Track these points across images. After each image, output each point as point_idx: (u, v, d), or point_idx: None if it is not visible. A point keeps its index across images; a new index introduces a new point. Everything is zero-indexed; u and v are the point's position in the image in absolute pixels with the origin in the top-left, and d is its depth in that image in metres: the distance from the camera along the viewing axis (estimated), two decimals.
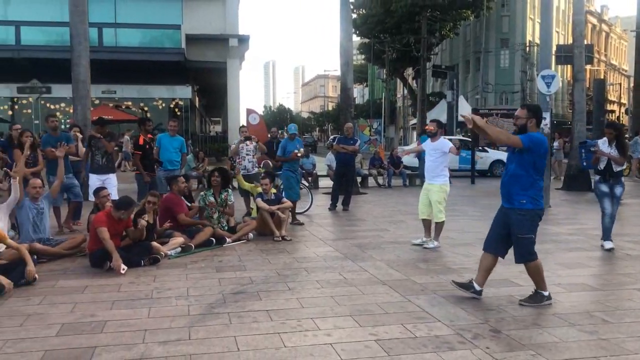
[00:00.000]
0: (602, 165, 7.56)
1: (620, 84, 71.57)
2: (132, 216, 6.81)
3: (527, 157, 4.87)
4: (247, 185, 9.74)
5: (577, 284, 5.82)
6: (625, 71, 74.69)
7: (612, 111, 61.18)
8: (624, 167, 7.99)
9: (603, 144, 7.47)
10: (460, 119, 23.14)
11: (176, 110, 29.82)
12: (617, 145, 7.38)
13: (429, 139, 7.99)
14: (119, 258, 6.18)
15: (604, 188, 7.58)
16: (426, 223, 7.98)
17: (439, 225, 7.79)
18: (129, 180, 13.54)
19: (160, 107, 29.92)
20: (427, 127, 7.97)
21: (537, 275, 5.09)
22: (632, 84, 49.04)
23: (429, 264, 6.71)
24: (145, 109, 29.52)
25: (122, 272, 6.10)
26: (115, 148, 10.82)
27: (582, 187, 15.18)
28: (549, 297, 5.07)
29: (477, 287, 5.21)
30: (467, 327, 4.45)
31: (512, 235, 5.03)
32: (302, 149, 10.09)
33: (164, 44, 27.31)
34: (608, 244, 7.51)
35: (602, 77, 60.13)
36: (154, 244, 6.91)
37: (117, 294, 5.40)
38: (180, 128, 20.62)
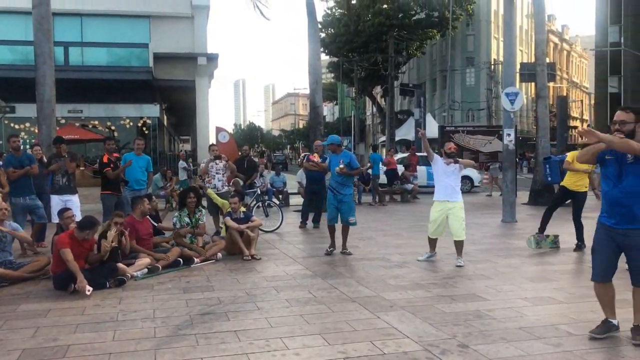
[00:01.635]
0: None
1: (581, 101, 73.56)
2: (97, 237, 6.69)
3: None
4: (219, 200, 9.68)
5: (542, 297, 5.91)
6: (586, 88, 76.83)
7: (575, 127, 62.72)
8: None
9: None
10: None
11: (144, 129, 29.50)
12: None
13: (441, 158, 7.85)
14: (84, 279, 6.05)
15: None
16: (434, 241, 8.00)
17: (462, 243, 7.77)
18: (95, 200, 13.30)
19: (127, 126, 29.52)
20: (449, 148, 7.85)
21: None
22: (593, 101, 50.43)
23: (397, 280, 6.73)
24: (113, 128, 29.12)
25: (87, 293, 5.97)
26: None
27: (547, 201, 15.40)
28: None
29: (614, 322, 4.64)
30: (435, 342, 4.47)
31: (631, 258, 4.42)
32: (342, 166, 8.38)
33: (131, 63, 27.00)
34: None
35: (564, 94, 61.73)
36: (120, 265, 6.78)
37: (82, 317, 5.28)
38: (148, 147, 20.42)
